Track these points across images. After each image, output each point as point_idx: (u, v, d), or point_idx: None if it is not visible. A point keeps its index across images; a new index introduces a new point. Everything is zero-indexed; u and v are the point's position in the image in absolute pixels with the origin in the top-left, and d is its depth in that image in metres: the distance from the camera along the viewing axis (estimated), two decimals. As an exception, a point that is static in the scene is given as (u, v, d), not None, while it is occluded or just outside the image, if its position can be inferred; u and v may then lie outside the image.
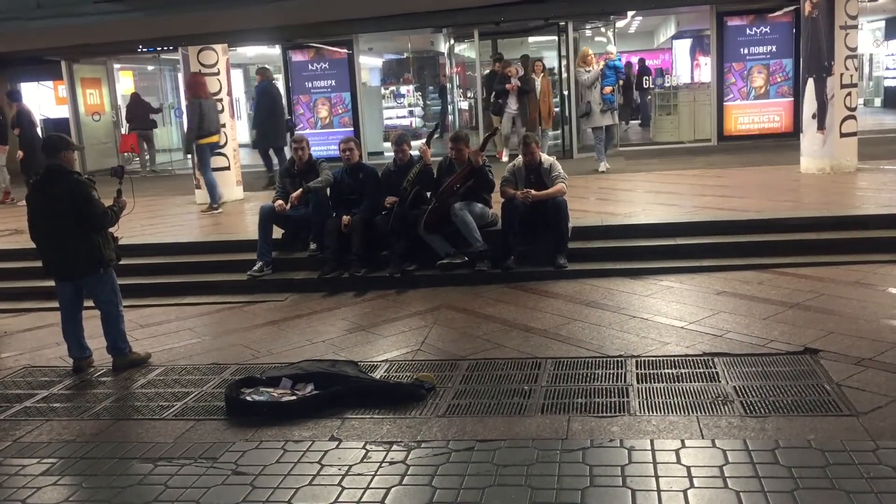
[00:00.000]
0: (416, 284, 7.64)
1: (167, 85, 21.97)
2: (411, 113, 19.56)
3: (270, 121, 12.62)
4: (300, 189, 8.16)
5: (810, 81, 10.37)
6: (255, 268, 7.98)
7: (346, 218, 7.91)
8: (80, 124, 17.58)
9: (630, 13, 16.76)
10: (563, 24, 14.37)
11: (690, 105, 15.72)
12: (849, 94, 10.30)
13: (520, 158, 8.02)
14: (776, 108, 14.64)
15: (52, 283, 6.13)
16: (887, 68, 22.53)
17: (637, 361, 5.25)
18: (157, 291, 8.06)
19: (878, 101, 23.17)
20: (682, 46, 21.77)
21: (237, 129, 12.86)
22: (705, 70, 18.04)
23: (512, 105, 13.33)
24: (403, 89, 19.86)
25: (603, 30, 16.49)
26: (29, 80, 18.77)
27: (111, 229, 5.98)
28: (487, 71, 15.12)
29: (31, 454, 4.56)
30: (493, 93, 13.63)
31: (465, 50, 17.22)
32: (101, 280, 5.91)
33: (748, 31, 14.53)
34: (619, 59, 13.33)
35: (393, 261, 7.77)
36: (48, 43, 12.51)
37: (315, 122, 16.13)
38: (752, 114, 14.70)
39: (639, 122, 20.00)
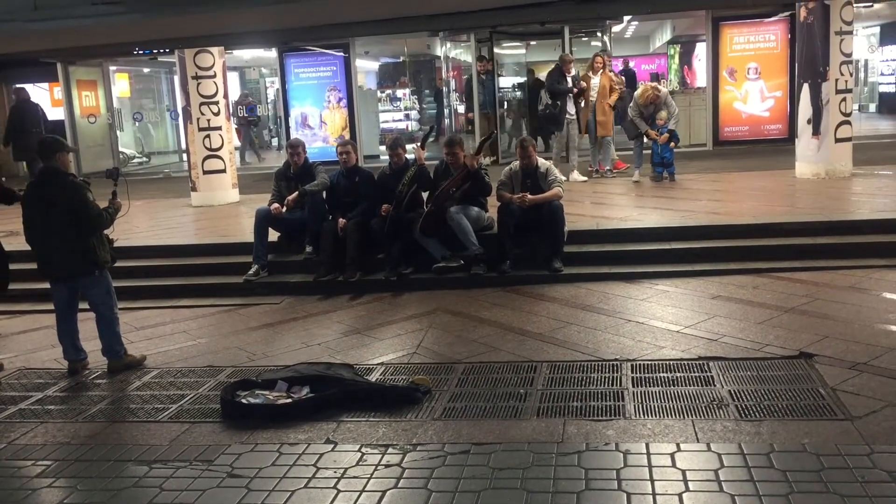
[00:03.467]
0: (411, 287, 7.64)
1: (163, 87, 21.98)
2: (407, 116, 19.56)
3: (24, 136, 13.33)
4: (296, 192, 8.15)
5: (805, 87, 10.41)
6: (251, 271, 7.97)
7: (341, 221, 7.91)
8: (75, 126, 17.56)
9: (626, 18, 16.81)
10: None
11: (686, 110, 15.76)
12: (844, 99, 10.33)
13: (516, 163, 8.03)
14: (773, 28, 14.66)
15: (47, 285, 6.12)
16: (882, 74, 22.60)
17: (632, 365, 5.25)
18: (153, 294, 8.06)
19: (872, 107, 23.25)
20: (678, 51, 21.84)
21: (232, 133, 12.88)
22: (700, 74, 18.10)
23: (571, 109, 11.60)
24: (399, 93, 19.87)
25: (599, 34, 16.51)
26: (24, 82, 18.73)
27: (106, 231, 5.98)
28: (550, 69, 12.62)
29: (25, 456, 4.55)
30: (549, 94, 11.72)
31: (462, 53, 17.23)
32: (96, 282, 5.91)
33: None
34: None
35: (389, 264, 7.77)
36: (45, 45, 12.50)
37: None
38: (749, 34, 14.74)
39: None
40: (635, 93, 11.26)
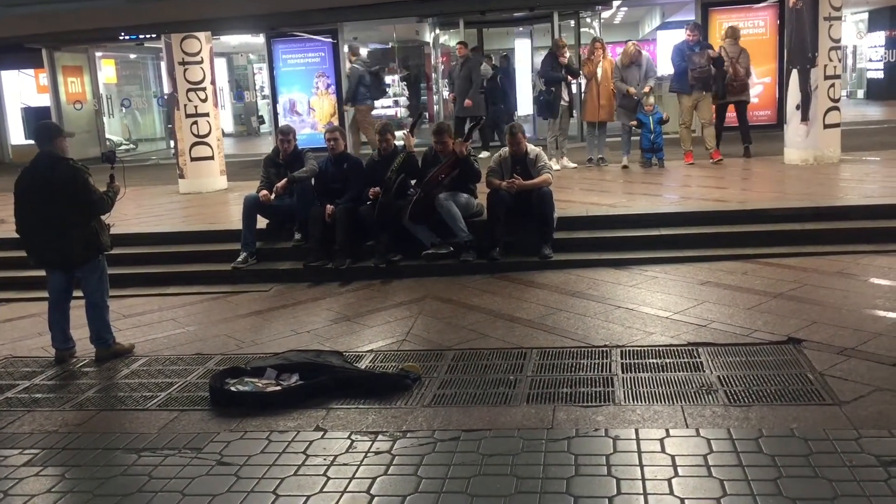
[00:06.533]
0: (401, 275, 7.62)
1: (150, 73, 21.83)
2: (396, 103, 19.50)
3: None
4: (285, 179, 8.11)
5: (794, 72, 10.41)
6: (240, 258, 7.94)
7: (329, 208, 7.87)
8: (61, 113, 17.42)
9: (616, 3, 16.76)
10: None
11: (675, 96, 15.72)
12: (832, 85, 10.34)
13: (505, 149, 8.01)
14: (762, 14, 14.67)
15: (33, 273, 6.08)
16: (870, 60, 22.67)
17: (622, 351, 5.26)
18: (141, 281, 8.02)
19: (861, 93, 23.33)
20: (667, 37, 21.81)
21: (220, 119, 12.80)
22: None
23: (566, 96, 11.44)
24: (388, 79, 19.79)
25: (588, 20, 16.47)
26: (9, 69, 18.58)
27: (104, 216, 5.93)
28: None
29: (12, 445, 4.52)
30: (544, 81, 11.47)
31: (451, 39, 17.18)
32: (94, 268, 5.88)
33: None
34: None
35: (378, 251, 7.75)
36: (30, 30, 12.39)
37: None
38: (738, 19, 14.69)
39: None
40: (618, 58, 11.37)
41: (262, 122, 23.37)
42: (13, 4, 9.41)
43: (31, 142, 6.20)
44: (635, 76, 11.12)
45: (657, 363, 5.02)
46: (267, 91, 17.81)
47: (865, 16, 22.67)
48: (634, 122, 11.11)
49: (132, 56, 21.21)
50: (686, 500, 3.43)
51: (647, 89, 11.03)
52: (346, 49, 15.16)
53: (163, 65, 12.98)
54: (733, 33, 11.57)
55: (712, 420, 4.17)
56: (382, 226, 7.74)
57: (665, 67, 17.80)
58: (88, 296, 5.95)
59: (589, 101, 11.57)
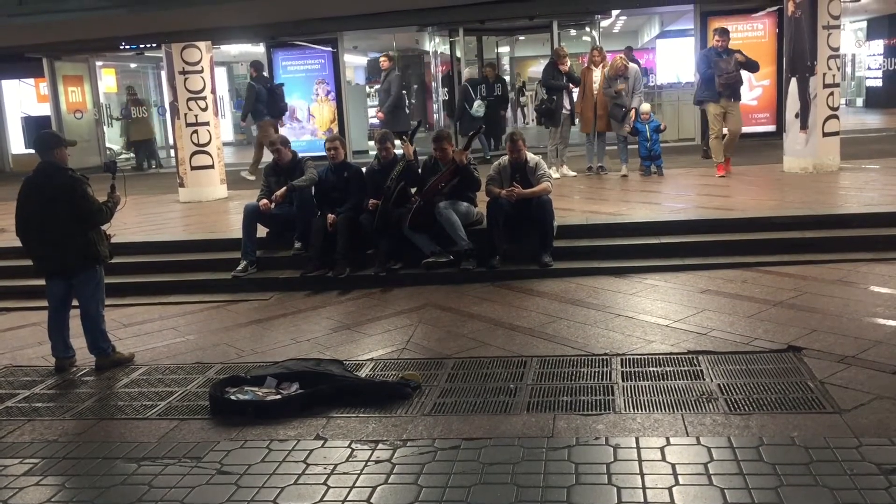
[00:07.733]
0: (401, 283, 7.62)
1: (150, 83, 21.85)
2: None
3: None
4: (284, 187, 8.12)
5: (793, 81, 10.43)
6: (240, 267, 7.94)
7: (331, 217, 7.88)
8: (62, 122, 17.44)
9: (615, 12, 16.81)
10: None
11: (675, 104, 15.79)
12: (831, 93, 10.36)
13: (505, 157, 8.02)
14: (761, 21, 14.70)
15: (33, 282, 6.08)
16: (869, 68, 22.72)
17: (622, 360, 5.26)
18: (141, 290, 8.01)
19: (860, 101, 23.37)
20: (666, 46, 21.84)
21: (221, 128, 12.82)
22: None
23: (568, 105, 11.40)
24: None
25: (588, 29, 16.51)
26: (10, 78, 18.61)
27: (104, 226, 5.93)
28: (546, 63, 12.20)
29: (13, 454, 4.52)
30: (546, 89, 11.48)
31: (450, 48, 17.20)
32: (90, 278, 5.88)
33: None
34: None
35: (378, 259, 7.75)
36: (31, 39, 12.44)
37: None
38: (736, 27, 14.74)
39: None
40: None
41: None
42: (14, 14, 9.44)
43: (32, 151, 6.21)
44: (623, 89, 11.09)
45: (657, 371, 5.02)
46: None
47: (864, 24, 22.73)
48: (628, 130, 11.10)
49: (132, 65, 21.23)
50: (687, 509, 3.43)
51: (631, 112, 10.97)
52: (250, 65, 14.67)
53: (163, 74, 13.01)
54: None
55: (713, 428, 4.17)
56: (382, 234, 7.75)
57: (665, 76, 17.92)
58: (82, 305, 5.94)
59: (582, 112, 11.47)
